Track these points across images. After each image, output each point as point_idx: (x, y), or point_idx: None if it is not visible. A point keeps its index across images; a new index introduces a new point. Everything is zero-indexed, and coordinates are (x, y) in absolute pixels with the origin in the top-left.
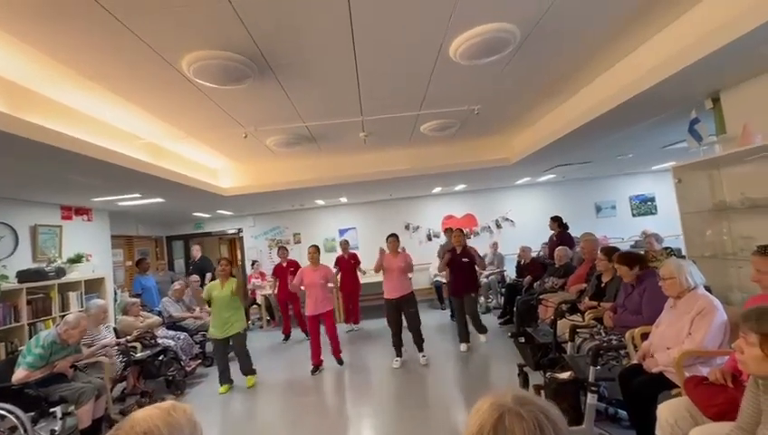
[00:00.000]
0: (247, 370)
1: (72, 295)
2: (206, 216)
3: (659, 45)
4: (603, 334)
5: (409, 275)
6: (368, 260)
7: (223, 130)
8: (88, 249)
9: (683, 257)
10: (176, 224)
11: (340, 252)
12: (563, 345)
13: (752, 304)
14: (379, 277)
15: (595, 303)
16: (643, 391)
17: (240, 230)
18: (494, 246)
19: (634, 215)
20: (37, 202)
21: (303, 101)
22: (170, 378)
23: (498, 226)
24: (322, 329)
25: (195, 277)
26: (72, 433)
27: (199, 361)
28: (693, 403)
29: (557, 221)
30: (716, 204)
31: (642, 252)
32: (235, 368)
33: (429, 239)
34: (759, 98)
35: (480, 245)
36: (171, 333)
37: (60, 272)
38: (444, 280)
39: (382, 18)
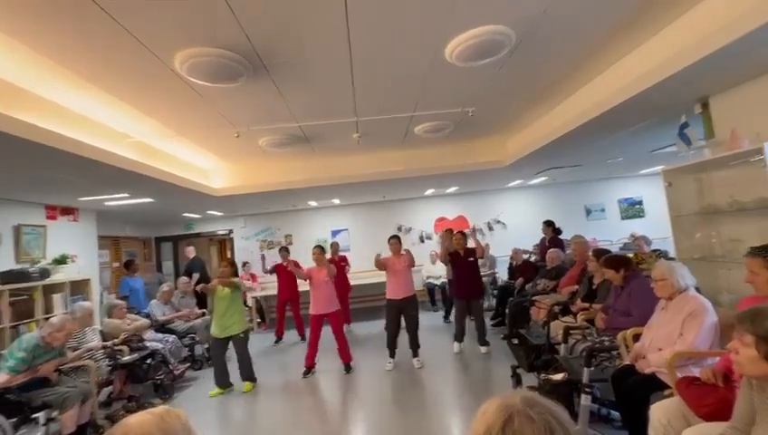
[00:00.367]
0: (248, 375)
1: (57, 297)
2: (197, 216)
3: (650, 51)
4: (595, 336)
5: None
6: (359, 262)
7: (215, 129)
8: (73, 250)
9: (672, 259)
10: (165, 225)
11: (329, 254)
12: (556, 347)
13: (745, 305)
14: (367, 280)
15: (587, 304)
16: (635, 391)
17: (231, 231)
18: (486, 247)
19: (622, 218)
20: (21, 201)
21: (297, 101)
22: (158, 382)
23: (490, 228)
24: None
25: (184, 279)
26: None
27: (188, 364)
28: (685, 403)
29: (551, 226)
30: (705, 207)
31: (631, 254)
32: (234, 371)
33: (422, 241)
34: (747, 103)
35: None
36: (159, 335)
37: (44, 273)
38: (437, 282)
39: (379, 19)
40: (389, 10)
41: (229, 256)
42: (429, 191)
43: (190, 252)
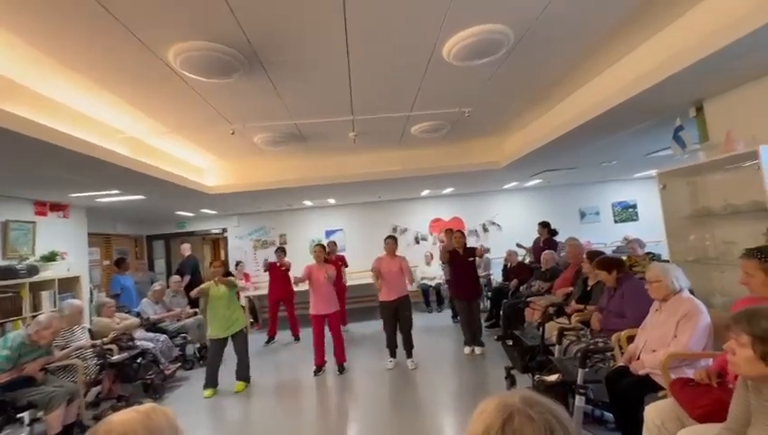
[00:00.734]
0: (244, 374)
1: (45, 295)
2: (190, 214)
3: (646, 54)
4: (590, 337)
5: (407, 280)
6: (354, 263)
7: (209, 126)
8: (63, 247)
9: (665, 262)
10: (157, 222)
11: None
12: (551, 348)
13: (740, 306)
14: (362, 280)
15: (581, 306)
16: (629, 393)
17: (224, 230)
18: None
19: (616, 221)
20: (8, 197)
21: (293, 98)
22: (148, 381)
23: (485, 229)
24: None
25: (176, 278)
26: None
27: (179, 364)
28: (679, 405)
29: (546, 227)
30: (699, 210)
31: (625, 257)
32: (225, 371)
33: (417, 242)
34: (741, 107)
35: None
36: (150, 335)
37: (32, 270)
38: (431, 283)
39: (377, 17)
40: (388, 8)
41: (223, 256)
42: (425, 192)
43: (186, 249)
